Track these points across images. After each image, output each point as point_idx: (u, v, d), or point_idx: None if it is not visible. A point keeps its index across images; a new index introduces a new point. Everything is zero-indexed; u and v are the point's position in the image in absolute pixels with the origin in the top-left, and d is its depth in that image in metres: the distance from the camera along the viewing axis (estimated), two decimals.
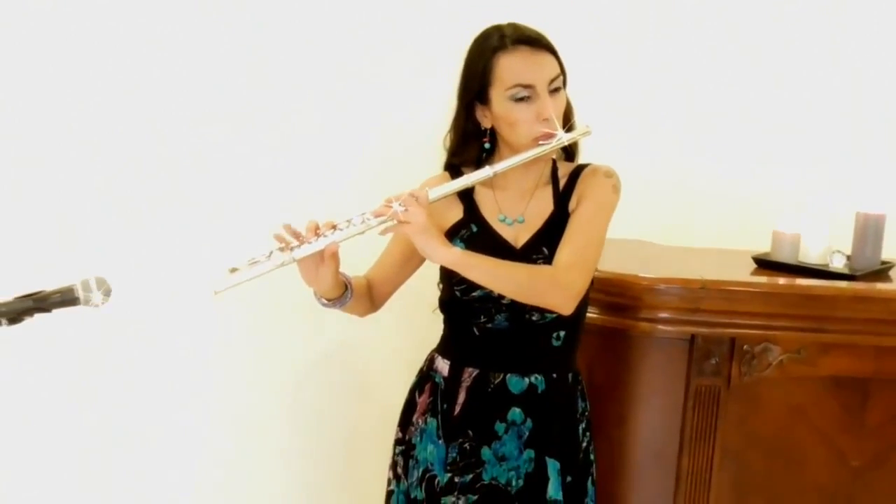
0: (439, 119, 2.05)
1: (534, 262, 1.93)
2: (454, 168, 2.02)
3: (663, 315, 2.30)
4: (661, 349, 2.32)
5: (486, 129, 1.97)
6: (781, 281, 2.42)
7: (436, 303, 2.06)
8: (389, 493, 2.10)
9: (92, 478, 2.72)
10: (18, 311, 1.49)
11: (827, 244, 2.49)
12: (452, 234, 1.98)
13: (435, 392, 2.03)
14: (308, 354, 2.80)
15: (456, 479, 1.97)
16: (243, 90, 2.64)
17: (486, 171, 1.90)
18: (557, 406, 2.00)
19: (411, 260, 2.06)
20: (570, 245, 1.91)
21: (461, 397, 1.99)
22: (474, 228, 1.99)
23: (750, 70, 2.87)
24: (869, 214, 2.49)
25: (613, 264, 2.31)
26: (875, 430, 2.37)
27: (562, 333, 1.99)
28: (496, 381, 1.98)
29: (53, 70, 2.53)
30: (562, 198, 1.99)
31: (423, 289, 2.10)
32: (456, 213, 2.01)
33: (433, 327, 2.10)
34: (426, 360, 2.09)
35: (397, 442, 2.09)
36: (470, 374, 1.99)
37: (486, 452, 1.97)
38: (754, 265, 2.51)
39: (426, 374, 2.07)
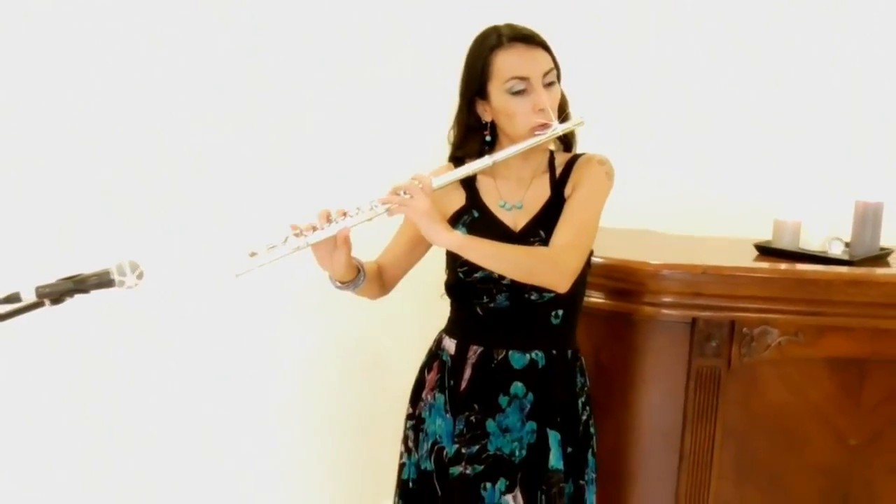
0: (441, 116, 2.14)
1: (531, 244, 2.03)
2: (458, 160, 2.12)
3: (666, 299, 2.38)
4: (665, 332, 2.40)
5: (486, 123, 2.08)
6: (779, 266, 2.47)
7: (443, 289, 2.17)
8: (402, 466, 2.20)
9: (97, 476, 2.80)
10: (61, 291, 1.58)
11: (827, 232, 2.55)
12: (456, 220, 2.10)
13: (443, 369, 2.14)
14: (326, 340, 2.90)
15: (463, 451, 2.08)
16: (243, 90, 2.68)
17: (485, 160, 2.00)
18: (557, 381, 2.09)
19: (418, 246, 2.17)
20: (565, 228, 2.01)
21: (467, 373, 2.10)
22: (476, 214, 2.10)
23: (750, 70, 2.92)
24: (868, 203, 2.55)
25: (619, 252, 2.39)
26: (872, 410, 2.42)
27: (560, 312, 2.09)
28: (499, 358, 2.08)
29: (54, 70, 2.58)
30: (558, 185, 2.09)
31: (431, 277, 2.21)
32: (459, 200, 2.12)
33: (441, 312, 2.20)
34: (435, 340, 2.21)
35: (408, 417, 2.21)
36: (475, 351, 2.10)
37: (490, 425, 2.08)
38: (756, 252, 2.58)
39: (434, 353, 2.18)
